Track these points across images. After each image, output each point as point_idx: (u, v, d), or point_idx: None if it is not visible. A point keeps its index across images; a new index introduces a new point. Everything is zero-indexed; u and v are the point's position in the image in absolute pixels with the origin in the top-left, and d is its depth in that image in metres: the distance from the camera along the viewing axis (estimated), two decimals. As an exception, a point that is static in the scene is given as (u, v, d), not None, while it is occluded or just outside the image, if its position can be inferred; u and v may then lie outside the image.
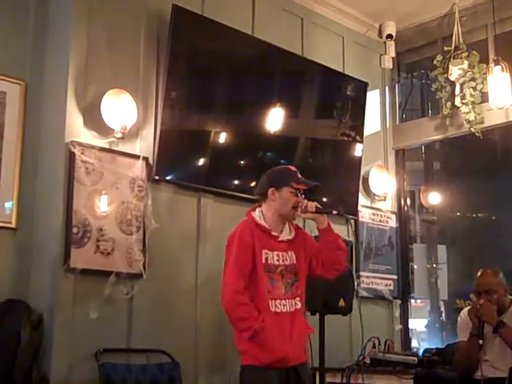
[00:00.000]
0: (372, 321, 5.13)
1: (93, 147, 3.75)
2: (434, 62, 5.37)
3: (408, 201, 5.95)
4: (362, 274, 5.22)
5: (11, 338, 3.39)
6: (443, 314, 7.76)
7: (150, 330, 3.84)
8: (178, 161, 4.19)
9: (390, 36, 5.73)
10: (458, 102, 5.23)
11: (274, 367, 2.86)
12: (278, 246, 3.01)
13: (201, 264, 4.17)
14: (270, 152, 4.67)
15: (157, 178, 4.01)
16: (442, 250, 7.78)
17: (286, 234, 3.06)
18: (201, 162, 4.31)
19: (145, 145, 4.03)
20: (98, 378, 3.47)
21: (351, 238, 5.09)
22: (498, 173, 7.14)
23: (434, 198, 7.50)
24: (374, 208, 5.49)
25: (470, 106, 5.13)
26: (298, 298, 3.00)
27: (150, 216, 3.90)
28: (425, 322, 7.93)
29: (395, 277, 5.52)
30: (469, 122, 5.16)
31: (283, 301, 2.93)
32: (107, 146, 3.83)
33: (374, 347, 4.60)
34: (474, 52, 5.18)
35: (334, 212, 3.13)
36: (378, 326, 5.17)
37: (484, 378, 3.57)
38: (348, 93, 5.29)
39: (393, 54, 5.81)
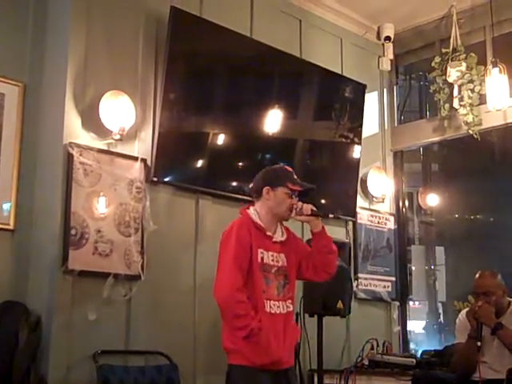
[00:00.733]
0: (370, 322, 5.15)
1: (91, 149, 3.75)
2: (432, 64, 5.37)
3: (406, 202, 5.96)
4: (360, 275, 5.22)
5: (9, 339, 3.39)
6: (441, 316, 7.77)
7: (148, 332, 3.84)
8: (176, 162, 4.19)
9: (388, 38, 5.73)
10: (456, 103, 5.24)
11: (265, 369, 2.82)
12: (272, 246, 2.97)
13: (199, 265, 4.17)
14: (268, 154, 4.67)
15: (155, 179, 4.01)
16: (440, 251, 7.78)
17: (279, 236, 3.03)
18: (199, 163, 4.31)
19: (143, 146, 4.03)
20: (96, 379, 3.46)
21: (349, 240, 5.12)
22: (496, 174, 7.16)
23: (433, 199, 7.50)
24: (372, 210, 5.49)
25: (468, 108, 5.14)
26: (289, 301, 2.97)
27: (148, 217, 3.90)
28: (423, 323, 7.93)
29: (393, 278, 5.52)
30: (467, 123, 5.17)
31: (276, 302, 2.90)
32: (105, 148, 3.83)
33: (372, 349, 4.61)
34: (472, 54, 5.18)
35: (331, 215, 3.11)
36: (376, 327, 5.18)
37: (482, 379, 3.57)
38: (346, 95, 5.29)
39: (391, 56, 5.82)
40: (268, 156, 4.67)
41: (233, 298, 2.79)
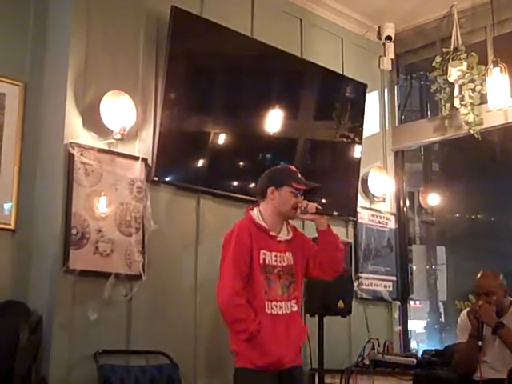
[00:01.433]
0: (371, 322, 5.14)
1: (92, 148, 3.75)
2: (433, 64, 5.37)
3: (407, 202, 5.96)
4: (361, 275, 5.22)
5: (10, 339, 3.38)
6: (442, 316, 7.78)
7: (149, 332, 3.83)
8: (177, 162, 4.19)
9: (388, 37, 5.73)
10: (456, 103, 5.23)
11: (268, 370, 2.83)
12: (276, 246, 2.97)
13: (200, 265, 4.17)
14: (269, 153, 4.67)
15: (156, 179, 4.01)
16: (441, 251, 7.79)
17: (284, 235, 3.03)
18: (200, 163, 4.31)
19: (144, 146, 4.03)
20: (96, 379, 3.46)
21: (350, 239, 5.13)
22: (497, 174, 7.16)
23: (433, 199, 7.51)
24: (373, 209, 5.49)
25: (469, 108, 5.13)
26: (294, 301, 2.96)
27: (149, 217, 3.90)
28: (424, 323, 7.94)
29: (394, 278, 5.52)
30: (468, 123, 5.16)
31: (279, 302, 2.89)
32: (106, 148, 3.83)
33: (373, 348, 4.60)
34: (473, 53, 5.18)
35: (335, 213, 3.11)
36: (377, 327, 5.18)
37: (483, 379, 3.58)
38: (347, 94, 5.29)
39: (392, 56, 5.81)
40: (269, 156, 4.67)
41: (231, 302, 2.80)
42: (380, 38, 5.80)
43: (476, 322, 3.66)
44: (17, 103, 3.84)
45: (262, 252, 2.91)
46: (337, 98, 5.22)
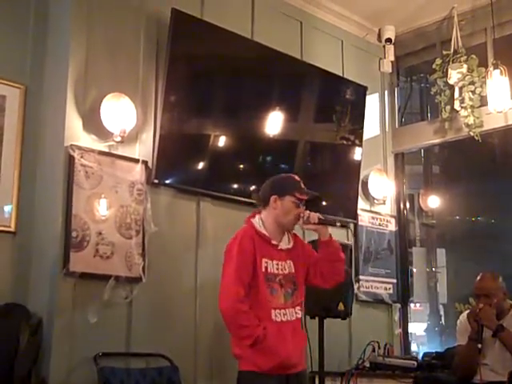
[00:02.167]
0: (371, 325, 5.14)
1: (92, 151, 3.75)
2: (433, 66, 5.37)
3: (407, 204, 5.96)
4: (361, 277, 5.22)
5: (10, 342, 3.39)
6: (442, 318, 7.77)
7: (150, 334, 3.83)
8: (177, 164, 4.19)
9: (389, 40, 5.74)
10: (457, 105, 5.24)
11: (274, 374, 2.82)
12: (277, 254, 2.97)
13: (200, 268, 4.17)
14: (269, 156, 4.67)
15: (156, 181, 4.01)
16: (441, 253, 7.78)
17: (285, 243, 3.02)
18: (200, 165, 4.31)
19: (144, 148, 4.03)
20: (96, 382, 3.46)
21: (350, 242, 5.12)
22: (497, 176, 7.15)
23: (434, 201, 7.51)
24: (373, 212, 5.49)
25: (469, 110, 5.14)
26: (298, 308, 2.97)
27: (150, 220, 3.90)
28: (424, 325, 7.93)
29: (394, 280, 5.52)
30: (468, 125, 5.16)
31: (283, 310, 2.89)
32: (106, 150, 3.83)
33: (373, 351, 4.60)
34: (473, 56, 5.18)
35: (338, 224, 3.11)
36: (378, 329, 5.17)
37: (483, 382, 3.58)
38: (347, 96, 5.29)
39: (392, 58, 5.82)
40: (269, 158, 4.68)
41: (235, 309, 2.80)
42: (380, 41, 5.81)
43: (476, 324, 3.66)
44: (17, 105, 3.84)
45: (264, 260, 2.91)
46: (337, 100, 5.22)
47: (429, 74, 5.57)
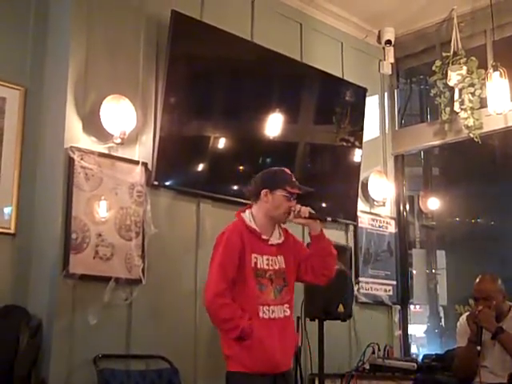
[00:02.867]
0: (371, 326, 5.14)
1: (92, 153, 3.75)
2: (433, 68, 5.38)
3: (407, 206, 5.96)
4: (361, 279, 5.22)
5: (10, 343, 3.39)
6: (442, 320, 7.76)
7: (149, 336, 3.83)
8: (177, 166, 4.19)
9: (388, 42, 5.74)
10: (456, 107, 5.24)
11: (262, 373, 2.80)
12: (267, 249, 2.93)
13: (200, 269, 4.16)
14: (269, 157, 4.67)
15: (156, 183, 4.01)
16: (441, 255, 7.77)
17: (276, 238, 2.99)
18: (200, 167, 4.31)
19: (144, 150, 4.03)
20: (96, 384, 3.47)
21: (350, 244, 5.12)
22: (497, 178, 7.15)
23: (433, 203, 7.50)
24: (373, 213, 5.49)
25: (469, 112, 5.14)
26: (286, 305, 2.92)
27: (149, 221, 3.90)
28: (424, 327, 7.92)
29: (394, 282, 5.52)
30: (467, 127, 5.17)
31: (272, 307, 2.86)
32: (106, 152, 3.83)
33: (373, 353, 4.60)
34: (473, 58, 5.19)
35: (329, 219, 3.09)
36: (378, 331, 5.17)
37: (483, 384, 3.58)
38: (347, 98, 5.30)
39: (392, 60, 5.82)
40: (269, 160, 4.67)
41: (214, 303, 2.77)
42: (380, 42, 5.81)
43: (475, 327, 3.66)
44: (17, 107, 3.85)
45: (253, 256, 2.88)
46: (337, 102, 5.23)
47: (428, 75, 5.57)
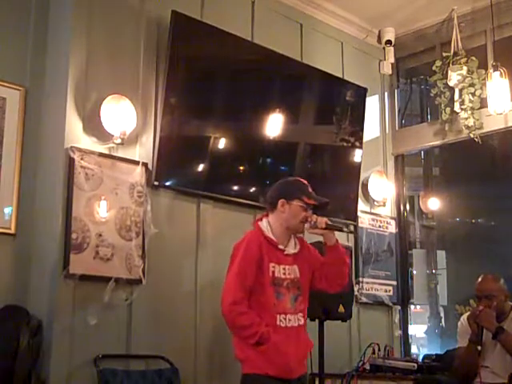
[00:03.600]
0: (372, 327, 5.14)
1: (92, 153, 3.75)
2: (433, 68, 5.38)
3: (407, 206, 5.95)
4: (361, 279, 5.21)
5: (10, 344, 3.38)
6: (443, 320, 7.75)
7: (150, 336, 3.83)
8: (177, 166, 4.19)
9: (389, 42, 5.74)
10: (457, 107, 5.24)
11: (276, 377, 2.82)
12: (284, 259, 2.96)
13: (200, 270, 4.17)
14: (269, 158, 4.68)
15: (156, 183, 4.01)
16: (441, 255, 7.76)
17: (292, 248, 3.03)
18: (200, 167, 4.31)
19: (144, 150, 4.03)
20: (97, 384, 3.46)
21: (351, 244, 5.12)
22: (498, 178, 7.14)
23: (434, 203, 7.49)
24: (373, 214, 5.49)
25: (469, 112, 5.14)
26: (300, 314, 2.96)
27: (150, 222, 3.90)
28: (424, 327, 7.91)
29: (395, 282, 5.52)
30: (468, 127, 5.17)
31: (288, 315, 2.89)
32: (107, 152, 3.83)
33: (373, 353, 4.59)
34: (473, 58, 5.19)
35: (345, 229, 3.11)
36: (378, 331, 5.17)
37: (483, 384, 3.58)
38: (347, 98, 5.29)
39: (392, 60, 5.82)
40: (269, 160, 4.68)
41: (234, 311, 2.80)
42: (380, 42, 5.81)
43: (476, 327, 3.66)
44: (17, 108, 3.84)
45: (271, 265, 2.91)
46: (337, 102, 5.23)
47: (429, 75, 5.56)
